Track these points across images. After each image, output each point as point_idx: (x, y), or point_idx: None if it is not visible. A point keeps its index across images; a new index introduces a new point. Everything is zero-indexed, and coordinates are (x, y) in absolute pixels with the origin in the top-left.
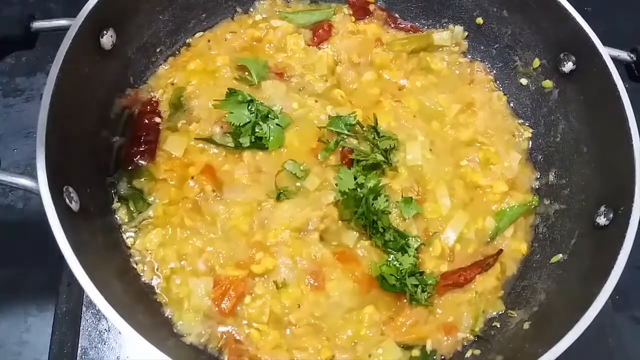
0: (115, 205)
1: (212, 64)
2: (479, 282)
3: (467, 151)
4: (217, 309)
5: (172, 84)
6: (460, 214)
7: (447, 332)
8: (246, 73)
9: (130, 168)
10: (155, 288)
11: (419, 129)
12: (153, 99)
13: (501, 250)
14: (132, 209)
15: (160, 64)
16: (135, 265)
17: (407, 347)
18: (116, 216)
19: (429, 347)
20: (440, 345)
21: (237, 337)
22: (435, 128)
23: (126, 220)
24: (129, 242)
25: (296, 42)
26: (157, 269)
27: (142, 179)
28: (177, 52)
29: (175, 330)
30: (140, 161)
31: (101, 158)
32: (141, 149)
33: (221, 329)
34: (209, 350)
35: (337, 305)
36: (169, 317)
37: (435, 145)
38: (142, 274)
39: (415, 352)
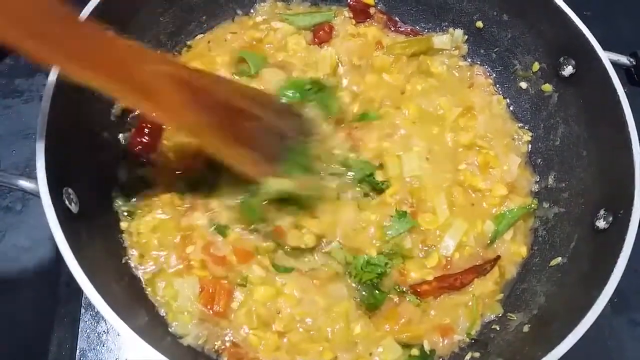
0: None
1: (212, 65)
2: (477, 285)
3: (467, 155)
4: (211, 311)
5: None
6: (459, 222)
7: (443, 334)
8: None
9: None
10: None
11: (418, 136)
12: None
13: (499, 257)
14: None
15: None
16: (132, 262)
17: (406, 346)
18: (114, 203)
19: (427, 347)
20: (437, 346)
21: (235, 340)
22: (435, 134)
23: (120, 204)
24: (127, 242)
25: (298, 42)
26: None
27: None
28: (178, 53)
29: (171, 330)
30: (142, 151)
31: (101, 160)
32: (144, 140)
33: (218, 332)
34: (206, 352)
35: (312, 303)
36: (164, 317)
37: (433, 153)
38: (141, 276)
39: (415, 351)
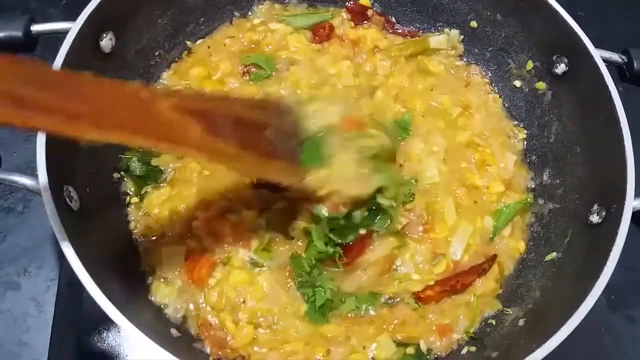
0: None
1: (214, 72)
2: (479, 285)
3: (465, 153)
4: (190, 280)
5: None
6: (465, 225)
7: (441, 334)
8: (254, 69)
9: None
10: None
11: (436, 134)
12: None
13: (495, 256)
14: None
15: (164, 70)
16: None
17: (401, 344)
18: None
19: (423, 347)
20: (434, 345)
21: (211, 322)
22: (445, 131)
23: (132, 193)
24: (132, 216)
25: (299, 39)
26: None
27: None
28: (179, 58)
29: (152, 299)
30: None
31: (102, 157)
32: None
33: (195, 307)
34: (191, 333)
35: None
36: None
37: (449, 153)
38: (144, 271)
39: (410, 350)
